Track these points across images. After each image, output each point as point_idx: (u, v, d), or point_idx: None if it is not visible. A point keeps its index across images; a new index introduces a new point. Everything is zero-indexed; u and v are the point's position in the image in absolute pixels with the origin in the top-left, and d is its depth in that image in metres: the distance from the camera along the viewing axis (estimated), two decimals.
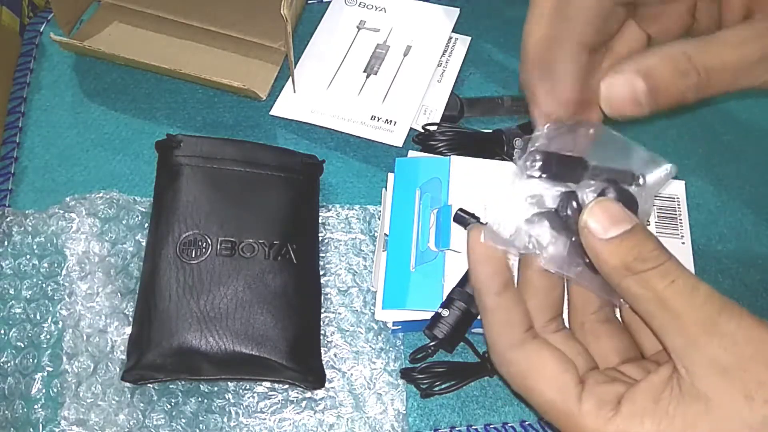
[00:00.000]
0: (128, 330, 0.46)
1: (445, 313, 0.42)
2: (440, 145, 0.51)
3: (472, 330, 0.45)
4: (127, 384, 0.45)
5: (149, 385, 0.45)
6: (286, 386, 0.45)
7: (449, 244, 0.44)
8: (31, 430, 0.44)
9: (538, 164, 0.33)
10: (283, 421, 0.45)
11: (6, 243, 0.49)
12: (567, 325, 0.35)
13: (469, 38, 0.59)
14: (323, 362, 0.46)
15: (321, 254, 0.50)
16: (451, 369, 0.45)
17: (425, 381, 0.44)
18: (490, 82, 0.58)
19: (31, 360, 0.46)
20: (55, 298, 0.48)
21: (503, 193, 0.33)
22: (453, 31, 0.58)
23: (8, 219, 0.50)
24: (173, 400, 0.45)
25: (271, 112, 0.55)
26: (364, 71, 0.56)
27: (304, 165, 0.50)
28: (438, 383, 0.45)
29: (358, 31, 0.58)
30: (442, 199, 0.47)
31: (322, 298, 0.48)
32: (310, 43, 0.58)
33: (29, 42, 0.59)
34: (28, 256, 0.49)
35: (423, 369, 0.45)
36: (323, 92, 0.55)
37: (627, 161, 0.33)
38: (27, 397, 0.45)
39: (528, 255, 0.33)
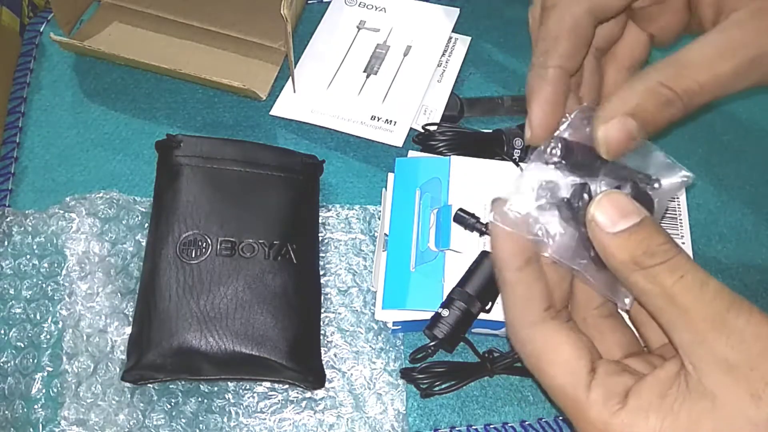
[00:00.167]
0: (128, 330, 0.46)
1: (445, 313, 0.42)
2: (440, 145, 0.51)
3: (472, 330, 0.45)
4: (127, 384, 0.45)
5: (149, 385, 0.45)
6: (286, 386, 0.45)
7: (449, 244, 0.44)
8: (31, 430, 0.44)
9: (558, 151, 0.32)
10: (283, 421, 0.45)
11: (6, 243, 0.49)
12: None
13: (469, 38, 0.59)
14: (323, 362, 0.46)
15: (321, 254, 0.50)
16: (451, 369, 0.45)
17: (425, 381, 0.44)
18: (490, 82, 0.58)
19: (31, 360, 0.46)
20: (55, 298, 0.48)
21: (518, 176, 0.33)
22: (453, 31, 0.58)
23: (8, 219, 0.50)
24: (173, 400, 0.45)
25: (271, 112, 0.55)
26: (364, 71, 0.56)
27: (304, 165, 0.50)
28: (438, 383, 0.45)
29: (358, 31, 0.58)
30: (442, 199, 0.47)
31: (322, 298, 0.48)
32: (310, 43, 0.58)
33: (29, 42, 0.59)
34: (28, 256, 0.49)
35: (423, 369, 0.45)
36: (323, 92, 0.55)
37: (645, 163, 0.33)
38: (27, 397, 0.45)
39: (537, 244, 0.33)
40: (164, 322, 0.42)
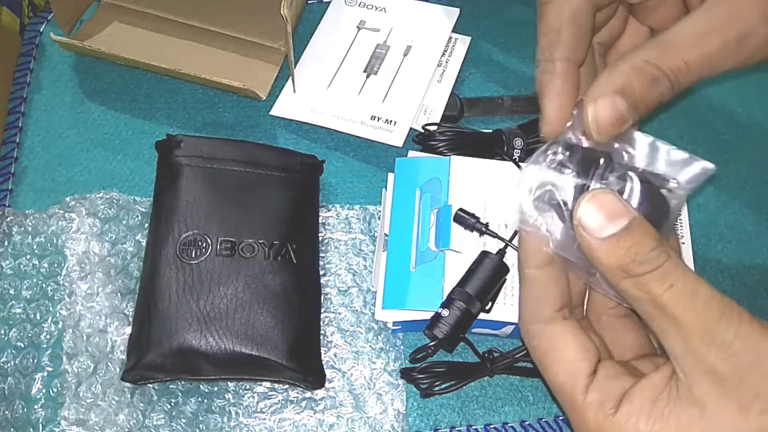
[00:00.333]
0: (128, 330, 0.46)
1: (445, 313, 0.42)
2: (440, 145, 0.51)
3: (472, 330, 0.45)
4: (127, 384, 0.45)
5: (149, 385, 0.45)
6: (286, 386, 0.45)
7: (449, 244, 0.44)
8: (31, 430, 0.44)
9: (559, 152, 0.31)
10: (283, 421, 0.45)
11: (6, 243, 0.49)
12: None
13: (469, 38, 0.59)
14: (323, 362, 0.46)
15: (321, 254, 0.50)
16: (451, 369, 0.45)
17: (425, 381, 0.44)
18: (490, 82, 0.58)
19: (31, 360, 0.46)
20: (55, 298, 0.48)
21: (517, 176, 0.32)
22: (453, 31, 0.58)
23: (8, 219, 0.50)
24: (173, 400, 0.45)
25: (271, 112, 0.55)
26: (364, 71, 0.56)
27: (304, 165, 0.50)
28: (438, 383, 0.45)
29: (358, 31, 0.58)
30: (442, 199, 0.47)
31: (322, 298, 0.48)
32: (310, 43, 0.58)
33: (29, 42, 0.59)
34: (28, 256, 0.49)
35: (423, 369, 0.45)
36: (323, 92, 0.55)
37: (659, 162, 0.32)
38: (27, 397, 0.45)
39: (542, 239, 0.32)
40: (164, 322, 0.42)
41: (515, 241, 0.44)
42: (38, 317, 0.47)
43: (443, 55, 0.57)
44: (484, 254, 0.43)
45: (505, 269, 0.43)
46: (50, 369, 0.45)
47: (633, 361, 0.33)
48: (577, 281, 0.34)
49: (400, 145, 0.52)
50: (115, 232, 0.49)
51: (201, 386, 0.45)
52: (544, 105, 0.34)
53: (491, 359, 0.45)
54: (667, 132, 0.56)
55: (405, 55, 0.57)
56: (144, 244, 0.48)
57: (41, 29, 0.60)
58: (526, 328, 0.32)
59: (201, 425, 0.44)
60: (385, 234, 0.48)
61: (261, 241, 0.45)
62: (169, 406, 0.44)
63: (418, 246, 0.46)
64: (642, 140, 0.32)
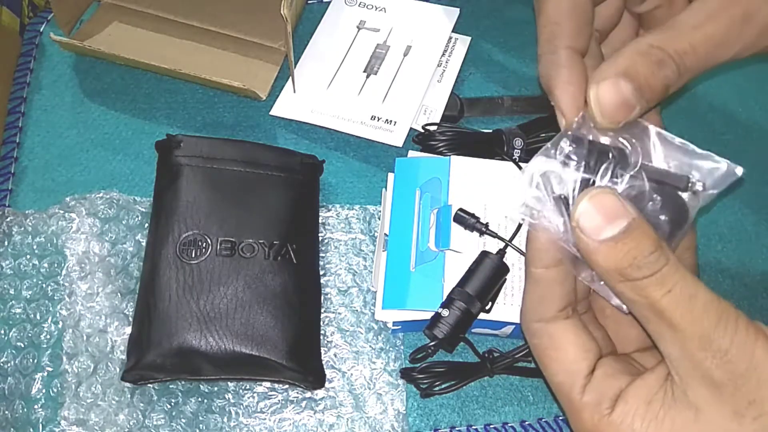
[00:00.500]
0: (128, 330, 0.46)
1: (445, 313, 0.42)
2: (440, 145, 0.51)
3: (472, 330, 0.45)
4: (127, 384, 0.45)
5: (149, 385, 0.45)
6: (286, 386, 0.45)
7: (449, 244, 0.44)
8: (31, 430, 0.44)
9: (567, 148, 0.30)
10: (283, 421, 0.45)
11: (6, 243, 0.49)
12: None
13: (469, 38, 0.59)
14: (323, 362, 0.46)
15: (321, 254, 0.50)
16: (451, 369, 0.45)
17: (425, 381, 0.44)
18: (490, 82, 0.58)
19: (31, 360, 0.46)
20: (55, 298, 0.48)
21: (523, 170, 0.31)
22: (453, 31, 0.58)
23: (8, 219, 0.50)
24: (173, 400, 0.45)
25: (271, 112, 0.55)
26: (364, 71, 0.56)
27: (303, 165, 0.50)
28: (438, 383, 0.45)
29: (358, 31, 0.58)
30: (442, 199, 0.47)
31: (322, 298, 0.48)
32: (310, 43, 0.58)
33: (29, 42, 0.59)
34: (28, 256, 0.49)
35: (423, 369, 0.45)
36: (323, 92, 0.55)
37: (679, 161, 0.30)
38: (27, 397, 0.45)
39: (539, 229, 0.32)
40: (164, 322, 0.42)
41: (516, 241, 0.44)
42: (38, 317, 0.47)
43: (443, 55, 0.57)
44: (484, 254, 0.43)
45: (505, 269, 0.43)
46: (50, 369, 0.45)
47: (635, 353, 0.33)
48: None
49: (400, 145, 0.52)
50: (115, 232, 0.49)
51: (201, 386, 0.45)
52: (556, 97, 0.32)
53: (491, 359, 0.45)
54: (668, 132, 0.56)
55: (405, 55, 0.57)
56: (144, 244, 0.48)
57: (41, 29, 0.60)
58: (527, 326, 0.32)
59: (201, 425, 0.44)
60: (385, 234, 0.48)
61: (261, 241, 0.45)
62: (169, 406, 0.44)
63: (418, 246, 0.46)
64: (662, 138, 0.31)
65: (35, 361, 0.46)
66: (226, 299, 0.43)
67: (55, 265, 0.48)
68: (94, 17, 0.59)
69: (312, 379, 0.44)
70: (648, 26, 0.38)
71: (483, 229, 0.44)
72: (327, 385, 0.45)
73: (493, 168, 0.48)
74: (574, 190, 0.30)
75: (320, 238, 0.50)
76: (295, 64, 0.56)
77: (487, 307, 0.43)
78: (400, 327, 0.46)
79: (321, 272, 0.49)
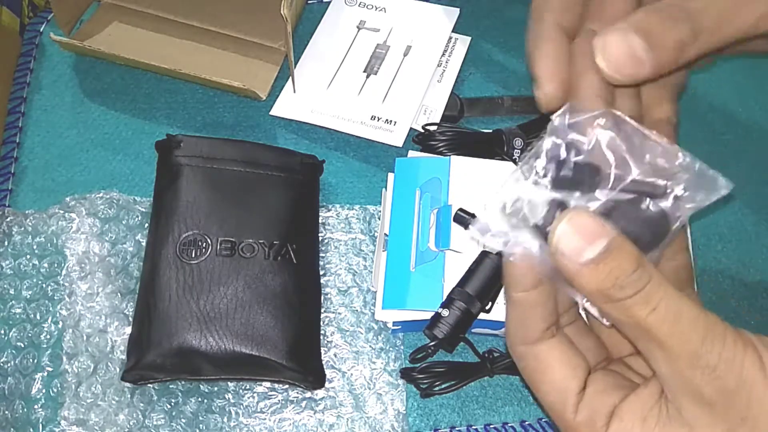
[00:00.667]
0: (128, 330, 0.46)
1: (445, 313, 0.42)
2: (440, 145, 0.51)
3: (472, 330, 0.45)
4: (127, 384, 0.45)
5: (149, 385, 0.45)
6: (286, 386, 0.45)
7: (449, 244, 0.44)
8: (31, 430, 0.44)
9: (536, 168, 0.29)
10: (283, 421, 0.45)
11: (6, 243, 0.49)
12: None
13: (469, 38, 0.59)
14: (323, 362, 0.46)
15: (321, 254, 0.50)
16: (451, 369, 0.45)
17: (425, 381, 0.44)
18: (490, 82, 0.58)
19: (31, 360, 0.46)
20: (55, 298, 0.48)
21: (494, 193, 0.30)
22: (453, 31, 0.58)
23: (8, 219, 0.50)
24: (173, 400, 0.45)
25: (271, 112, 0.55)
26: (364, 71, 0.56)
27: (303, 165, 0.50)
28: (438, 383, 0.45)
29: (358, 31, 0.58)
30: (442, 199, 0.47)
31: (322, 298, 0.48)
32: (310, 43, 0.58)
33: (29, 42, 0.59)
34: (28, 256, 0.49)
35: (423, 369, 0.45)
36: (323, 92, 0.55)
37: (659, 167, 0.29)
38: (27, 397, 0.45)
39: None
40: (164, 322, 0.42)
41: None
42: (38, 317, 0.47)
43: (443, 55, 0.57)
44: (484, 254, 0.43)
45: None
46: (50, 369, 0.45)
47: (629, 357, 0.33)
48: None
49: (400, 145, 0.52)
50: (115, 232, 0.49)
51: (201, 386, 0.45)
52: (535, 70, 0.31)
53: (491, 359, 0.45)
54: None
55: (405, 55, 0.57)
56: (144, 244, 0.48)
57: (41, 29, 0.60)
58: (513, 349, 0.32)
59: (201, 425, 0.44)
60: (385, 234, 0.48)
61: (261, 241, 0.45)
62: (169, 406, 0.44)
63: (418, 246, 0.46)
64: (645, 142, 0.29)
65: (35, 361, 0.46)
66: (226, 299, 0.43)
67: (55, 265, 0.48)
68: (94, 17, 0.59)
69: (312, 379, 0.44)
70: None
71: None
72: (327, 385, 0.45)
73: (493, 168, 0.48)
74: (548, 212, 0.28)
75: (320, 238, 0.50)
76: (295, 64, 0.56)
77: (487, 307, 0.43)
78: (400, 327, 0.46)
79: (321, 272, 0.49)
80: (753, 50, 0.34)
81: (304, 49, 0.57)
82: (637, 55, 0.28)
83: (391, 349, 0.47)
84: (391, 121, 0.53)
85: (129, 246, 0.49)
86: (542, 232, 0.28)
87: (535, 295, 0.30)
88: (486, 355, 0.45)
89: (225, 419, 0.44)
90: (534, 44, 0.32)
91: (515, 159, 0.50)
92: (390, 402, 0.45)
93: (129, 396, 0.45)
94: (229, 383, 0.45)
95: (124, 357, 0.45)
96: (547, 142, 0.29)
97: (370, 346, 0.47)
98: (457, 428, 0.46)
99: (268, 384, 0.46)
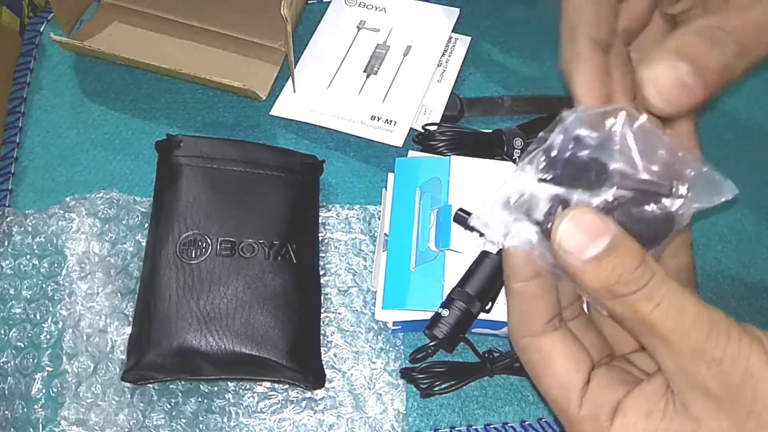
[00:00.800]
0: (128, 330, 0.46)
1: (445, 313, 0.42)
2: (440, 145, 0.51)
3: (472, 330, 0.45)
4: (127, 384, 0.45)
5: (149, 385, 0.45)
6: (286, 386, 0.45)
7: (449, 244, 0.44)
8: (31, 430, 0.44)
9: (541, 162, 0.29)
10: (283, 421, 0.45)
11: (6, 243, 0.49)
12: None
13: (469, 38, 0.59)
14: (323, 362, 0.46)
15: (321, 254, 0.50)
16: (451, 369, 0.45)
17: (425, 381, 0.44)
18: (490, 82, 0.58)
19: (31, 360, 0.46)
20: (55, 298, 0.48)
21: (498, 186, 0.30)
22: (453, 31, 0.58)
23: (8, 219, 0.50)
24: (173, 400, 0.45)
25: (271, 112, 0.55)
26: (364, 71, 0.56)
27: (303, 165, 0.50)
28: (438, 383, 0.45)
29: (358, 31, 0.58)
30: (442, 199, 0.47)
31: (322, 298, 0.48)
32: (310, 43, 0.58)
33: (29, 42, 0.59)
34: (28, 256, 0.49)
35: (423, 369, 0.45)
36: (323, 92, 0.55)
37: (667, 167, 0.29)
38: (27, 397, 0.45)
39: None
40: (164, 322, 0.42)
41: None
42: (38, 317, 0.47)
43: (443, 55, 0.57)
44: (484, 254, 0.43)
45: None
46: (50, 369, 0.45)
47: (633, 354, 0.33)
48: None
49: (400, 145, 0.52)
50: (115, 232, 0.49)
51: (201, 386, 0.45)
52: (573, 85, 0.31)
53: (491, 359, 0.45)
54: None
55: (405, 55, 0.57)
56: (144, 244, 0.48)
57: (41, 29, 0.60)
58: (516, 343, 0.32)
59: (201, 425, 0.44)
60: (385, 234, 0.48)
61: (261, 241, 0.45)
62: (169, 406, 0.44)
63: (418, 246, 0.46)
64: (651, 138, 0.29)
65: (35, 361, 0.46)
66: (226, 299, 0.43)
67: (55, 265, 0.48)
68: (94, 17, 0.59)
69: (312, 379, 0.44)
70: (659, 3, 0.36)
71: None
72: (327, 385, 0.45)
73: (493, 168, 0.48)
74: (550, 207, 0.29)
75: (320, 238, 0.50)
76: (295, 64, 0.56)
77: (487, 307, 0.43)
78: (400, 327, 0.46)
79: (321, 272, 0.49)
80: None
81: (304, 49, 0.57)
82: (686, 82, 0.27)
83: (391, 349, 0.47)
84: (391, 121, 0.53)
85: (129, 246, 0.49)
86: (543, 227, 0.28)
87: (535, 286, 0.30)
88: (486, 355, 0.45)
89: (225, 419, 0.44)
90: (570, 62, 0.32)
91: (515, 159, 0.50)
92: (390, 402, 0.45)
93: (129, 396, 0.45)
94: (229, 383, 0.45)
95: (124, 357, 0.45)
96: (554, 136, 0.29)
97: (370, 346, 0.47)
98: (457, 428, 0.46)
99: (268, 384, 0.46)
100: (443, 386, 0.45)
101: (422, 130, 0.52)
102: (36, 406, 0.44)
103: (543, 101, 0.56)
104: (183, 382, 0.45)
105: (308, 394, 0.45)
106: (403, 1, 0.60)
